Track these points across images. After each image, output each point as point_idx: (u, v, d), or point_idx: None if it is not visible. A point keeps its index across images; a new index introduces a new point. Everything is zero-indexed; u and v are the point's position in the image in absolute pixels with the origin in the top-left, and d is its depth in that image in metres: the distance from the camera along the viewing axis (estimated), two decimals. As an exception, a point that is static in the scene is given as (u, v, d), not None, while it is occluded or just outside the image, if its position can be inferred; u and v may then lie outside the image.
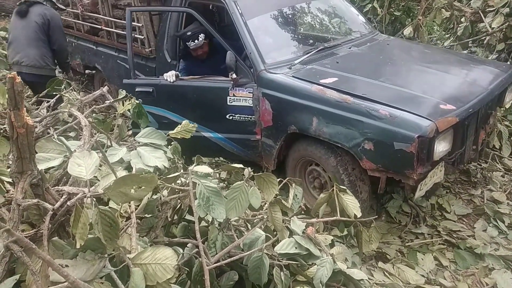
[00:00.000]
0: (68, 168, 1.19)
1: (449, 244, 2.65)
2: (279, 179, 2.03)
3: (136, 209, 1.44)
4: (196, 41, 3.21)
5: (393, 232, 2.76)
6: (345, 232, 2.62)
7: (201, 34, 3.18)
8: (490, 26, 4.38)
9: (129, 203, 1.40)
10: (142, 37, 3.65)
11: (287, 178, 2.17)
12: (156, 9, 3.58)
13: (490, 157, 3.45)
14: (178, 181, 1.68)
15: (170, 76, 3.08)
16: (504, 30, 4.29)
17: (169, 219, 1.69)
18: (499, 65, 3.10)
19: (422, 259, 2.49)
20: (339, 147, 2.59)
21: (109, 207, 1.36)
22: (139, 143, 1.98)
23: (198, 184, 1.45)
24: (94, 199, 1.16)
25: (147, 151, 1.92)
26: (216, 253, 1.59)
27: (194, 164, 1.58)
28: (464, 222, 2.85)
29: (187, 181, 1.51)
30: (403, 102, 2.36)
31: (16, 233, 0.96)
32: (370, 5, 5.95)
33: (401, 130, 2.22)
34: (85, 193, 1.14)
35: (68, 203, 1.18)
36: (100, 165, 1.69)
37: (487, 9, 4.55)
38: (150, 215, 1.49)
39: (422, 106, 2.33)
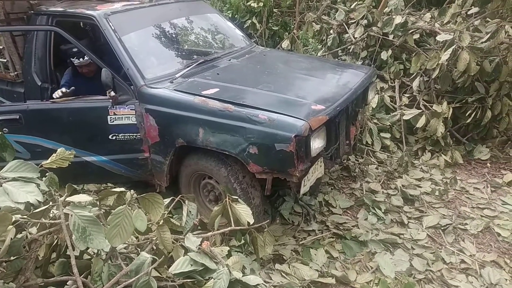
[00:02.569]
0: None
1: (338, 236, 2.87)
2: (171, 197, 2.00)
3: (-2, 253, 1.28)
4: (81, 59, 3.05)
5: (287, 233, 2.90)
6: (242, 241, 2.68)
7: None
8: (354, 36, 4.92)
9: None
10: (5, 60, 3.28)
11: (179, 196, 2.14)
12: (15, 29, 3.24)
13: (365, 153, 3.86)
14: (52, 214, 1.54)
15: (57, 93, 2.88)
16: (365, 39, 4.86)
17: (45, 258, 1.54)
18: (361, 68, 3.49)
19: (315, 254, 2.65)
20: (229, 157, 2.65)
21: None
22: (5, 178, 1.77)
23: (71, 215, 1.34)
24: None
25: (16, 187, 1.72)
26: (103, 286, 1.49)
27: (66, 194, 1.46)
28: (348, 214, 3.12)
29: (59, 213, 1.39)
30: (280, 106, 2.50)
31: None
32: (250, 21, 6.24)
33: (279, 132, 2.36)
34: None
35: None
36: (-44, 210, 1.48)
37: (350, 21, 5.12)
38: (15, 257, 1.33)
39: (296, 109, 2.49)
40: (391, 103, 4.37)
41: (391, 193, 3.34)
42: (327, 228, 2.94)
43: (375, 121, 4.14)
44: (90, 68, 3.17)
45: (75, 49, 3.05)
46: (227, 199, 2.15)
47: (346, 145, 3.00)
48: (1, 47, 3.25)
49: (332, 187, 3.41)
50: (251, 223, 2.09)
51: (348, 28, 5.05)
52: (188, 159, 2.86)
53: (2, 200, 1.65)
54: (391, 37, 4.69)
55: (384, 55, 4.65)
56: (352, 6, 5.25)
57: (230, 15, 6.42)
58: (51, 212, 1.49)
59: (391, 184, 3.49)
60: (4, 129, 2.80)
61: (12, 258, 1.33)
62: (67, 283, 1.44)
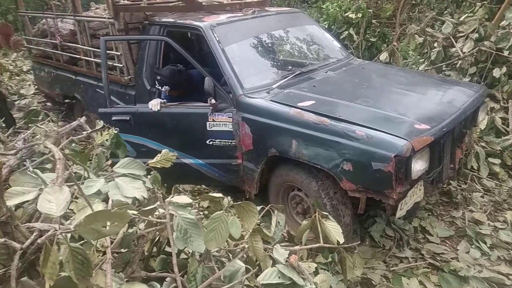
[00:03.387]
0: (38, 204, 1.14)
1: (433, 267, 2.64)
2: (261, 206, 2.01)
3: (111, 243, 1.39)
4: (160, 87, 3.24)
5: (377, 256, 2.74)
6: (330, 259, 2.59)
7: (166, 87, 3.20)
8: (462, 51, 4.54)
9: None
10: (121, 65, 3.64)
11: (269, 205, 2.15)
12: (132, 38, 3.58)
13: (469, 178, 3.51)
14: (156, 212, 1.64)
15: (154, 105, 3.04)
16: (475, 54, 4.46)
17: (147, 252, 1.64)
18: (471, 86, 3.19)
19: (407, 283, 2.47)
20: (320, 172, 2.59)
21: (85, 242, 1.31)
22: (117, 173, 1.94)
23: (176, 216, 1.42)
24: (67, 235, 1.12)
25: (126, 182, 1.88)
26: (197, 286, 1.54)
27: (172, 195, 1.55)
28: (447, 244, 2.86)
29: (165, 213, 1.48)
30: (379, 122, 2.39)
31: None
32: (347, 32, 6.13)
33: (378, 150, 2.24)
34: (56, 230, 1.10)
35: (39, 240, 1.13)
36: (77, 198, 1.65)
37: (458, 35, 4.74)
38: (126, 250, 1.44)
39: (397, 126, 2.37)
40: (502, 126, 3.94)
41: (499, 227, 2.98)
42: (422, 257, 2.72)
43: (483, 144, 3.75)
44: (172, 94, 3.30)
45: (158, 77, 3.24)
46: (316, 214, 2.10)
47: (449, 169, 2.76)
48: (118, 53, 3.61)
49: (430, 213, 3.16)
50: (341, 242, 2.02)
51: (456, 42, 4.68)
52: (279, 169, 2.86)
53: (114, 193, 1.80)
54: (506, 53, 4.24)
55: (496, 73, 4.22)
56: (461, 19, 4.86)
57: (326, 26, 6.38)
58: (157, 210, 1.59)
59: (499, 216, 3.12)
60: (116, 128, 3.09)
61: (122, 250, 1.43)
62: (166, 280, 1.51)
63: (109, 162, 3.12)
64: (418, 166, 2.32)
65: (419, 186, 2.50)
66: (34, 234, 1.20)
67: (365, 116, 2.49)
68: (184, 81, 3.33)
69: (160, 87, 3.25)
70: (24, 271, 1.23)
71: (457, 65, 4.62)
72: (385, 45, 6.09)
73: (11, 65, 7.41)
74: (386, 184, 2.26)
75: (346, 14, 6.29)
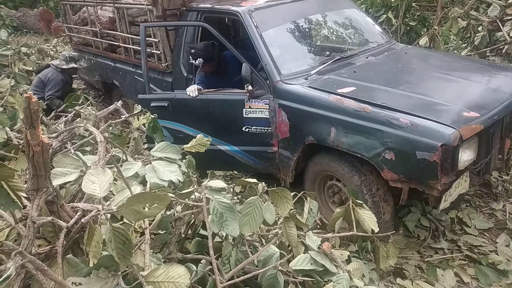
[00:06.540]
0: (82, 185, 1.19)
1: (470, 259, 2.56)
2: (294, 193, 2.01)
3: (150, 225, 1.44)
4: (194, 61, 3.24)
5: (411, 247, 2.69)
6: (362, 248, 2.57)
7: (200, 59, 3.18)
8: (509, 35, 4.30)
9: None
10: (159, 52, 3.67)
11: (302, 192, 2.14)
12: (170, 24, 3.60)
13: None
14: (192, 196, 1.67)
15: (192, 91, 3.06)
16: (523, 39, 4.21)
17: (183, 234, 1.68)
18: None
19: (442, 275, 2.41)
20: (364, 165, 2.51)
21: (123, 222, 1.36)
22: (154, 157, 1.99)
23: (212, 200, 1.44)
24: (108, 215, 1.16)
25: (162, 165, 1.92)
26: (230, 269, 1.57)
27: (208, 179, 1.57)
28: (485, 237, 2.76)
29: (201, 197, 1.50)
30: (424, 110, 2.29)
31: (28, 255, 0.96)
32: (385, 15, 5.93)
33: (423, 138, 2.15)
34: (99, 211, 1.15)
35: (82, 220, 1.19)
36: (115, 180, 1.71)
37: (505, 18, 4.48)
38: (163, 231, 1.48)
39: (444, 114, 2.26)
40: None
41: (543, 220, 2.84)
42: (458, 249, 2.64)
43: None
44: (205, 69, 3.32)
45: (192, 50, 3.23)
46: (350, 202, 2.08)
47: (498, 160, 2.60)
48: (156, 40, 3.64)
49: (468, 204, 3.05)
50: (376, 231, 1.99)
51: (503, 26, 4.43)
52: (318, 158, 2.79)
53: (151, 176, 1.85)
54: (558, 37, 3.97)
55: (546, 58, 3.97)
56: (510, 1, 4.58)
57: (363, 9, 6.19)
58: (194, 194, 1.62)
59: (544, 210, 2.97)
60: (154, 114, 3.15)
61: (160, 232, 1.48)
62: (201, 262, 1.55)
63: (145, 145, 3.18)
64: (466, 156, 2.22)
65: (464, 177, 2.37)
66: (78, 213, 1.26)
67: (409, 103, 2.39)
68: (216, 56, 3.33)
69: (194, 61, 3.24)
70: (69, 248, 1.30)
71: (503, 50, 4.38)
72: (425, 29, 5.85)
73: (52, 50, 7.67)
74: (431, 174, 2.16)
75: (385, -3, 6.07)
